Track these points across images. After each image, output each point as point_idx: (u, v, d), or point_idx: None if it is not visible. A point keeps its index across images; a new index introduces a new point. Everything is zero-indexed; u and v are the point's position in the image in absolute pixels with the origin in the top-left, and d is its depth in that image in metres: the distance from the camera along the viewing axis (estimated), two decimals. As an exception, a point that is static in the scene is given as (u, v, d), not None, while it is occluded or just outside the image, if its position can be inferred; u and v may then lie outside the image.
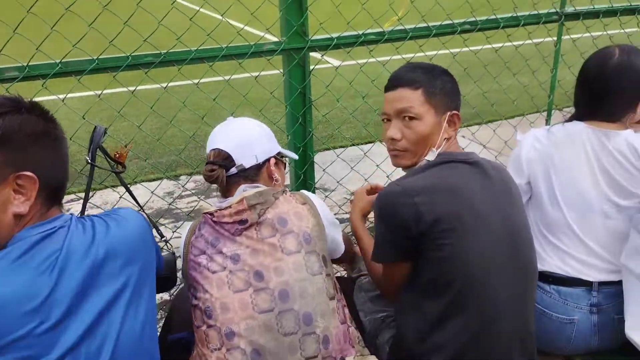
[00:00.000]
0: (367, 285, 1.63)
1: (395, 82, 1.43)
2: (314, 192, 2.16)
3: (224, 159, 1.35)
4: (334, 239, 1.43)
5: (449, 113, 1.42)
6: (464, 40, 2.32)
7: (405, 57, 2.31)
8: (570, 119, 1.68)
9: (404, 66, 1.47)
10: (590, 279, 1.55)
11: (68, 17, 1.70)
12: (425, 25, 2.17)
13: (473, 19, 2.27)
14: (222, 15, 1.80)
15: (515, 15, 2.37)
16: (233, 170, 1.35)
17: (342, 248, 1.50)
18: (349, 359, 1.27)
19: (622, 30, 2.84)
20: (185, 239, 1.33)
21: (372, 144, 3.97)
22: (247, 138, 1.39)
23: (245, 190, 1.33)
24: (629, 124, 1.61)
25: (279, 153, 1.48)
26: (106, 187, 3.27)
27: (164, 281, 1.43)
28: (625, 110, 1.57)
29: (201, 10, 1.95)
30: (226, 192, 1.38)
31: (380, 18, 2.09)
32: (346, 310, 1.36)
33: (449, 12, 2.23)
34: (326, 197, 2.82)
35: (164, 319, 1.67)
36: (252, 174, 1.38)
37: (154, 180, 3.62)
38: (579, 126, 1.60)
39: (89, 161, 1.57)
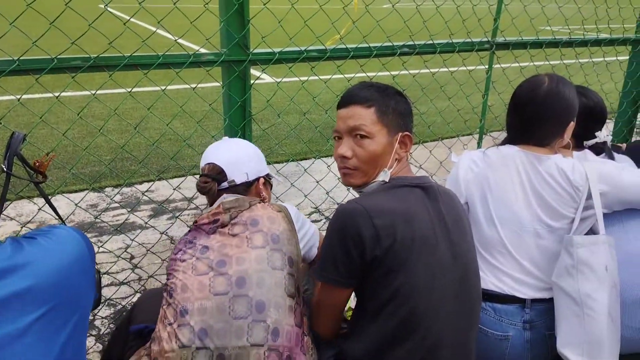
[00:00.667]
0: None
1: (348, 99, 1.41)
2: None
3: (217, 173, 1.46)
4: (310, 247, 1.51)
5: (400, 134, 1.40)
6: (403, 62, 2.37)
7: (346, 76, 2.32)
8: (503, 143, 1.74)
9: (358, 84, 1.45)
10: (524, 297, 1.59)
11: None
12: (366, 45, 2.20)
13: (412, 42, 2.32)
14: (159, 22, 1.72)
15: (451, 42, 2.46)
16: (224, 184, 1.46)
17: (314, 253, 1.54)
18: None
19: (547, 62, 3.02)
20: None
21: (312, 160, 3.97)
22: (240, 156, 1.50)
23: (225, 199, 1.44)
24: (557, 148, 1.69)
25: (267, 175, 1.59)
26: (22, 197, 3.03)
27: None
28: (554, 135, 1.65)
29: (136, 21, 1.85)
30: (212, 203, 1.47)
31: (322, 36, 2.08)
32: (305, 320, 1.36)
33: (389, 34, 2.27)
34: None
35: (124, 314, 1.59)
36: (241, 189, 1.48)
37: (75, 191, 3.40)
38: (513, 150, 1.66)
39: (5, 169, 1.44)
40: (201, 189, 1.45)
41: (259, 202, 1.44)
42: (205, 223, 1.40)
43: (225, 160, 1.47)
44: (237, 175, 1.47)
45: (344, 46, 2.15)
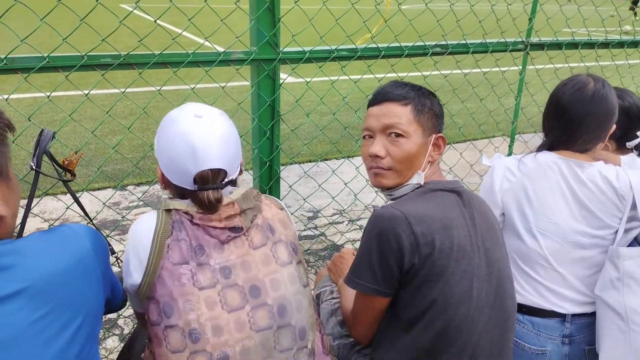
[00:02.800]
0: (339, 310, 1.54)
1: (382, 96, 1.35)
2: (278, 210, 2.07)
3: (221, 178, 1.16)
4: None
5: (434, 135, 1.35)
6: (435, 62, 2.31)
7: (377, 76, 2.27)
8: (540, 148, 1.66)
9: (391, 82, 1.40)
10: (564, 311, 1.52)
11: (18, 9, 1.55)
12: (398, 45, 2.14)
13: (444, 42, 2.26)
14: (189, 20, 1.69)
15: (484, 42, 2.39)
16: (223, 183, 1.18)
17: None
18: None
19: (583, 64, 2.92)
20: (155, 239, 1.09)
21: (343, 160, 3.92)
22: (236, 148, 1.19)
23: (231, 193, 1.18)
24: (598, 151, 1.61)
25: None
26: (46, 194, 3.05)
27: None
28: (597, 139, 1.57)
29: (162, 23, 1.83)
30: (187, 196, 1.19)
31: (353, 35, 2.03)
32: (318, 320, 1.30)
33: (422, 34, 2.21)
34: (292, 213, 2.72)
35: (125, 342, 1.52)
36: (234, 183, 1.24)
37: (97, 189, 3.41)
38: (552, 157, 1.58)
39: (34, 167, 1.43)
40: (213, 207, 1.13)
41: (259, 196, 1.23)
42: (216, 227, 1.12)
43: (226, 159, 1.16)
44: (234, 171, 1.21)
45: (375, 45, 2.10)
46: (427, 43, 2.21)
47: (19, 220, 1.08)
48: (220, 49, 1.81)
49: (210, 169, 1.12)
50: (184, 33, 1.80)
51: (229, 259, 1.12)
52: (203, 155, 1.11)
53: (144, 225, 1.12)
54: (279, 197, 2.06)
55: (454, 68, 2.47)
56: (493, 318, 1.25)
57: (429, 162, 1.34)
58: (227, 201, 1.15)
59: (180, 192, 1.18)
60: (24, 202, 1.13)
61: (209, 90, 4.95)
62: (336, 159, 4.08)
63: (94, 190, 3.43)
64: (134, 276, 1.11)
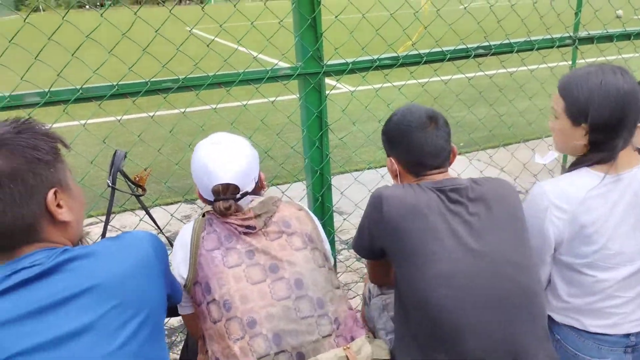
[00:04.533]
0: (390, 305, 1.63)
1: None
2: (331, 215, 2.16)
3: (233, 192, 1.40)
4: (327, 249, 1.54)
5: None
6: (479, 64, 2.33)
7: (420, 82, 2.33)
8: (571, 168, 1.49)
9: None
10: (634, 331, 1.45)
11: (89, 45, 1.74)
12: (439, 49, 2.19)
13: (487, 43, 2.28)
14: (238, 41, 1.83)
15: (529, 39, 2.38)
16: (238, 196, 1.43)
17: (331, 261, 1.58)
18: (360, 338, 1.36)
19: (638, 54, 2.83)
20: (193, 234, 1.38)
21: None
22: (248, 166, 1.42)
23: (252, 201, 1.44)
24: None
25: None
26: (125, 210, 3.30)
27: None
28: (628, 140, 1.42)
29: (217, 39, 1.99)
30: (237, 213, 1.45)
31: (394, 43, 2.11)
32: (350, 302, 1.48)
33: (463, 37, 2.25)
34: (344, 219, 2.81)
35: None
36: (252, 193, 1.47)
37: (171, 203, 3.65)
38: (590, 176, 1.43)
39: (110, 184, 1.60)
40: (223, 214, 1.38)
41: (280, 202, 1.48)
42: (236, 224, 1.38)
43: (237, 175, 1.40)
44: (248, 184, 1.44)
45: (416, 52, 2.16)
46: (469, 45, 2.24)
47: (98, 230, 1.23)
48: (275, 61, 1.93)
49: (221, 184, 1.39)
50: (243, 50, 1.96)
51: (251, 245, 1.38)
52: (215, 173, 1.39)
53: (186, 227, 1.44)
54: (331, 204, 2.15)
55: (499, 68, 2.48)
56: (489, 301, 1.28)
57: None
58: (246, 209, 1.40)
59: (209, 204, 1.47)
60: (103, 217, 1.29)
61: (259, 105, 5.18)
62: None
63: (167, 204, 3.66)
64: (182, 267, 1.37)
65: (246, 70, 1.90)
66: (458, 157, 1.57)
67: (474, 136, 4.45)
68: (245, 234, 1.38)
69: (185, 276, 1.37)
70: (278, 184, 3.88)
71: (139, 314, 1.04)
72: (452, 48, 2.22)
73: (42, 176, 1.03)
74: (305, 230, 1.44)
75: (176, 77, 1.82)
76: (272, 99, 2.11)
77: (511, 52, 2.36)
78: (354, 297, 2.44)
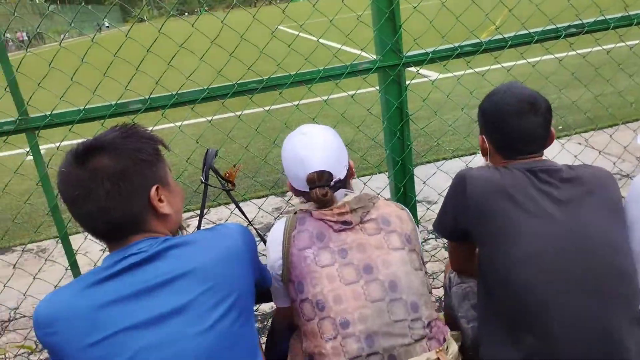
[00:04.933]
0: (471, 294, 1.62)
1: None
2: (414, 204, 2.16)
3: (328, 178, 1.40)
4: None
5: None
6: (570, 44, 2.20)
7: (504, 66, 2.24)
8: None
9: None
10: None
11: (183, 52, 1.88)
12: (526, 32, 2.10)
13: (579, 21, 2.14)
14: (317, 40, 1.88)
15: (627, 14, 2.20)
16: (331, 183, 1.42)
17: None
18: (448, 336, 1.36)
19: None
20: (284, 233, 1.38)
21: (474, 155, 3.87)
22: (338, 153, 1.43)
23: (346, 195, 1.43)
24: None
25: None
26: (219, 204, 3.52)
27: (267, 293, 1.51)
28: None
29: (304, 35, 2.05)
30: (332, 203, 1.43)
31: (476, 29, 2.05)
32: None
33: (552, 16, 2.13)
34: (427, 209, 2.78)
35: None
36: (344, 180, 1.46)
37: (262, 197, 3.81)
38: None
39: (203, 181, 1.73)
40: (324, 202, 1.38)
41: (377, 199, 1.44)
42: (331, 220, 1.36)
43: (329, 162, 1.40)
44: (341, 171, 1.43)
45: (500, 36, 2.08)
46: (558, 25, 2.12)
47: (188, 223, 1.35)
48: (357, 52, 1.96)
49: (315, 171, 1.39)
50: (325, 41, 2.01)
51: (345, 243, 1.34)
52: (308, 162, 1.39)
53: (278, 226, 1.43)
54: (414, 194, 2.15)
55: (593, 45, 2.32)
56: (580, 281, 1.24)
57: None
58: (341, 203, 1.39)
59: (302, 195, 1.46)
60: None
61: (339, 99, 5.22)
62: (471, 154, 4.01)
63: (258, 198, 3.84)
64: (275, 265, 1.38)
65: (326, 67, 1.95)
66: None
67: (568, 119, 4.19)
68: (340, 230, 1.35)
69: (279, 273, 1.39)
70: (360, 177, 3.91)
71: (229, 296, 1.14)
72: (540, 29, 2.12)
73: (146, 175, 1.16)
74: (406, 230, 1.39)
75: (260, 78, 1.91)
76: (352, 92, 2.15)
77: (607, 29, 2.20)
78: (439, 287, 2.42)
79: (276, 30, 2.00)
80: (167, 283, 1.10)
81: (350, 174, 1.50)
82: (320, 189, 1.38)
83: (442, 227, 1.52)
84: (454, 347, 1.35)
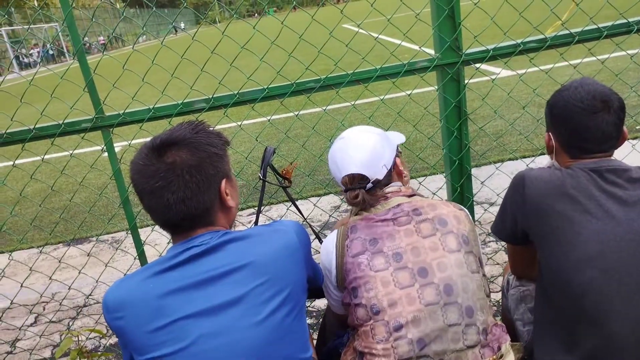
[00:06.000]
0: (528, 297, 1.58)
1: None
2: (471, 205, 2.12)
3: (360, 181, 1.41)
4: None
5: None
6: (643, 38, 2.08)
7: (571, 63, 2.16)
8: None
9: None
10: None
11: (245, 54, 1.96)
12: (594, 27, 2.01)
13: (654, 13, 2.03)
14: (375, 39, 1.89)
15: None
16: (369, 185, 1.42)
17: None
18: (504, 345, 1.31)
19: None
20: (337, 244, 1.39)
21: (535, 156, 3.72)
22: (373, 154, 1.42)
23: (398, 199, 1.41)
24: None
25: (397, 148, 1.52)
26: (279, 202, 3.60)
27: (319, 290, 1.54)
28: None
29: (364, 31, 2.07)
30: (372, 205, 1.43)
31: (540, 24, 1.99)
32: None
33: (622, 10, 2.03)
34: (485, 210, 2.72)
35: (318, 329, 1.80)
36: (386, 181, 1.44)
37: (322, 195, 3.86)
38: None
39: (261, 177, 1.79)
40: (354, 203, 1.41)
41: (438, 200, 1.43)
42: (384, 219, 1.36)
43: (362, 164, 1.41)
44: (377, 172, 1.42)
45: (567, 31, 2.01)
46: (630, 19, 2.02)
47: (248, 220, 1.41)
48: (416, 48, 1.96)
49: (347, 175, 1.42)
50: (385, 37, 2.02)
51: (399, 246, 1.33)
52: (341, 165, 1.44)
53: (330, 236, 1.44)
54: (471, 194, 2.12)
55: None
56: (635, 289, 1.19)
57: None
58: (396, 204, 1.38)
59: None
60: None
61: (396, 99, 5.18)
62: (532, 156, 3.87)
63: (317, 196, 3.88)
64: (332, 274, 1.40)
65: (383, 66, 1.96)
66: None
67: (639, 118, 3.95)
68: (393, 232, 1.34)
69: (335, 282, 1.40)
70: (417, 177, 3.87)
71: (283, 291, 1.18)
72: (609, 24, 2.02)
73: (218, 168, 1.23)
74: (463, 231, 1.35)
75: (318, 78, 1.95)
76: (409, 91, 2.14)
77: (685, 21, 2.06)
78: (498, 291, 2.36)
79: (335, 29, 2.03)
80: (225, 275, 1.16)
81: (397, 172, 1.47)
82: (351, 191, 1.41)
83: (500, 229, 1.48)
84: (510, 358, 1.30)
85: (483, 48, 1.99)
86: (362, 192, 1.40)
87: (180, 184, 1.16)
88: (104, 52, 2.13)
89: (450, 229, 1.34)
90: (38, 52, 26.91)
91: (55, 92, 1.91)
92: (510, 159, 3.87)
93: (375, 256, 1.32)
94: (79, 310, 2.86)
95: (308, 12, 2.04)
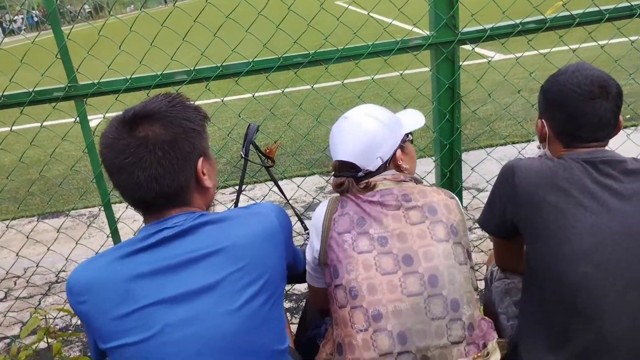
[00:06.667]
0: (513, 290, 1.53)
1: None
2: (460, 191, 2.06)
3: (349, 169, 1.34)
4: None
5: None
6: (646, 23, 2.00)
7: (571, 47, 2.08)
8: None
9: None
10: None
11: (229, 25, 1.84)
12: (596, 9, 1.92)
13: (658, -2, 1.95)
14: (368, 13, 1.80)
15: None
16: (360, 174, 1.35)
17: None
18: (491, 343, 1.25)
19: None
20: (325, 215, 1.32)
21: (528, 142, 3.67)
22: (369, 144, 1.33)
23: (385, 178, 1.34)
24: None
25: (407, 135, 1.42)
26: (261, 181, 3.51)
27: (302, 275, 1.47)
28: None
29: (351, 8, 1.97)
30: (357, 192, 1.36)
31: (540, 5, 1.90)
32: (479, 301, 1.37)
33: (626, -8, 1.95)
34: (474, 197, 2.67)
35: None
36: (378, 172, 1.36)
37: (307, 175, 3.78)
38: None
39: (243, 156, 1.70)
40: (338, 188, 1.34)
41: (429, 185, 1.37)
42: (372, 201, 1.29)
43: (355, 153, 1.32)
44: (370, 163, 1.33)
45: (567, 13, 1.92)
46: (633, 3, 1.94)
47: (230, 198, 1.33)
48: (409, 27, 1.87)
49: (338, 160, 1.35)
50: (377, 16, 1.92)
51: (387, 230, 1.26)
52: (336, 149, 1.37)
53: (321, 207, 1.36)
54: (460, 180, 2.05)
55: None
56: (637, 281, 1.14)
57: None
58: (382, 187, 1.31)
59: None
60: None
61: (389, 79, 5.08)
62: (521, 142, 3.81)
63: (302, 176, 3.79)
64: (315, 246, 1.32)
65: (375, 42, 1.86)
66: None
67: (638, 108, 3.90)
68: (381, 215, 1.27)
69: (317, 256, 1.33)
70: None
71: (260, 278, 1.11)
72: (612, 7, 1.94)
73: (195, 145, 1.14)
74: (452, 221, 1.28)
75: (306, 52, 1.85)
76: (401, 71, 2.05)
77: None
78: (480, 279, 2.32)
79: (326, 4, 1.93)
80: (199, 259, 1.08)
81: (394, 163, 1.37)
82: (338, 178, 1.35)
83: (487, 220, 1.42)
84: (496, 356, 1.24)
85: (480, 27, 1.90)
86: (348, 180, 1.33)
87: (152, 160, 1.07)
88: (74, 20, 2.00)
89: (440, 218, 1.27)
90: (22, 19, 26.18)
91: (32, 60, 1.78)
92: (500, 145, 3.82)
93: (360, 237, 1.26)
94: (50, 286, 2.77)
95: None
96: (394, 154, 1.37)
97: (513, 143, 3.77)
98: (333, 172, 1.38)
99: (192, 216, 1.13)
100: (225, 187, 3.73)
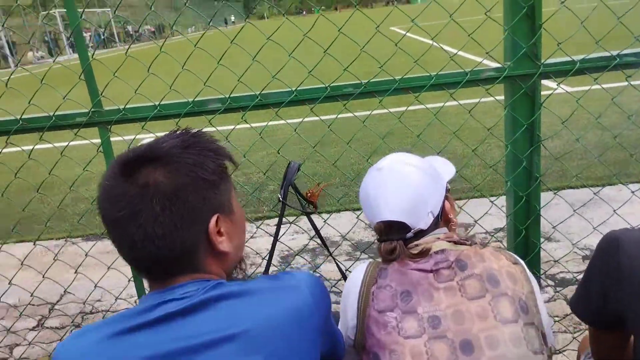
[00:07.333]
0: None
1: None
2: (538, 253, 1.72)
3: (398, 230, 1.13)
4: (548, 319, 1.10)
5: None
6: None
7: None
8: None
9: None
10: None
11: (270, 48, 1.63)
12: None
13: None
14: (432, 38, 1.53)
15: None
16: (410, 234, 1.13)
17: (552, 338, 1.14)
18: None
19: None
20: (363, 285, 1.11)
21: (601, 187, 3.24)
22: (417, 197, 1.13)
23: (438, 240, 1.13)
24: None
25: (447, 185, 1.23)
26: (291, 224, 3.23)
27: None
28: None
29: (409, 35, 1.71)
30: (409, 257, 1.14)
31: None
32: None
33: None
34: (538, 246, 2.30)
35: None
36: (430, 230, 1.15)
37: (358, 209, 3.45)
38: None
39: (281, 199, 1.46)
40: (389, 259, 1.12)
41: (483, 247, 1.12)
42: (423, 270, 1.07)
43: (402, 210, 1.12)
44: (421, 220, 1.13)
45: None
46: None
47: (263, 246, 1.07)
48: (479, 59, 1.59)
49: (382, 222, 1.13)
50: (444, 47, 1.65)
51: (438, 308, 1.04)
52: (376, 208, 1.14)
53: (355, 274, 1.14)
54: (538, 240, 1.71)
55: None
56: None
57: None
58: (436, 248, 1.09)
59: None
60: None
61: (449, 108, 4.72)
62: (622, 183, 3.37)
63: (354, 210, 3.44)
64: (350, 322, 1.11)
65: (440, 73, 1.59)
66: None
67: None
68: (434, 279, 1.06)
69: (353, 338, 1.11)
70: (457, 199, 3.44)
71: None
72: None
73: (206, 198, 0.91)
74: (520, 294, 1.04)
75: (358, 82, 1.60)
76: (464, 101, 1.76)
77: None
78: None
79: (382, 30, 1.68)
80: (209, 346, 0.83)
81: (445, 219, 1.18)
82: (387, 243, 1.12)
83: (582, 307, 1.11)
84: None
85: (567, 59, 1.59)
86: (400, 244, 1.11)
87: (149, 216, 0.85)
88: (132, 42, 1.84)
89: (504, 291, 1.03)
90: (90, 36, 27.62)
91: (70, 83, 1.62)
92: (570, 187, 3.42)
93: (406, 317, 1.04)
94: (83, 317, 2.61)
95: (361, 10, 1.69)
96: (443, 205, 1.17)
97: (588, 186, 3.36)
98: (377, 238, 1.15)
99: (204, 286, 0.89)
100: (267, 217, 3.49)
